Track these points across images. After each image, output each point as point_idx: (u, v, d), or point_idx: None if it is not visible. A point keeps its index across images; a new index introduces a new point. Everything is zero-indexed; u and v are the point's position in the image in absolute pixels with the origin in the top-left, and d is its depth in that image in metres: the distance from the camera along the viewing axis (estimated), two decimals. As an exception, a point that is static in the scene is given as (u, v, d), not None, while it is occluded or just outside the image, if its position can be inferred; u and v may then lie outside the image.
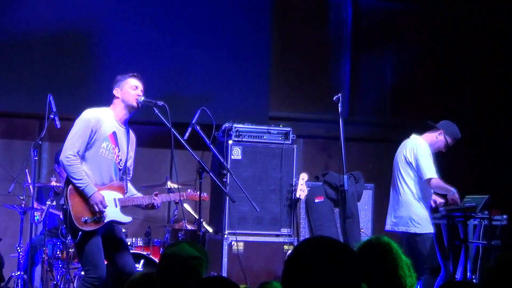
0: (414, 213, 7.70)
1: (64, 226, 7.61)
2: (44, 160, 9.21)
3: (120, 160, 6.38)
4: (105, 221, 6.21)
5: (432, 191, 7.84)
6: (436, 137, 7.92)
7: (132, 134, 6.55)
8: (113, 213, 6.28)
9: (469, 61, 10.72)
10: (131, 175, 6.59)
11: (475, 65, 10.71)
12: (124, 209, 6.39)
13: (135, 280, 4.13)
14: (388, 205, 7.98)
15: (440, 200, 7.95)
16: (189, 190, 6.93)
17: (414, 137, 7.93)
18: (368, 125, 10.42)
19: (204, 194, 6.90)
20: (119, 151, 6.35)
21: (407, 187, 7.76)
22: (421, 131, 8.03)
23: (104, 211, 6.18)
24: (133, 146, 6.55)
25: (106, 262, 6.29)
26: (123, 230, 6.93)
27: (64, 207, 6.22)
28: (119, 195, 6.34)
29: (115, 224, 6.40)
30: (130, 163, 6.54)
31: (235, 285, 3.09)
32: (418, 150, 7.75)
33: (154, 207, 6.47)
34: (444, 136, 7.90)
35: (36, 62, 8.93)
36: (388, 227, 7.89)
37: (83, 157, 6.21)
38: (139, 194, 6.52)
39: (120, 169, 6.40)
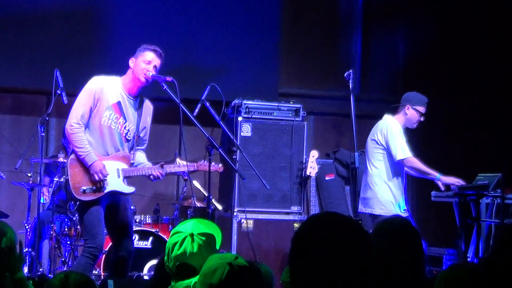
0: (380, 195, 7.58)
1: (72, 202, 7.64)
2: (51, 136, 9.17)
3: (128, 131, 6.33)
4: (105, 191, 6.18)
5: (404, 173, 7.68)
6: (406, 113, 7.75)
7: (147, 105, 6.48)
8: (114, 183, 6.25)
9: (483, 37, 10.60)
10: (145, 146, 6.55)
11: (489, 41, 10.58)
12: (129, 179, 6.35)
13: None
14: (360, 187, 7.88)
15: (457, 181, 7.81)
16: (203, 161, 6.63)
17: (385, 117, 7.77)
18: (380, 102, 10.28)
19: (219, 164, 6.71)
20: (125, 121, 6.29)
21: (375, 169, 7.63)
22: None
23: (105, 181, 6.14)
24: (147, 118, 6.48)
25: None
26: (132, 207, 6.86)
27: (64, 177, 6.23)
28: (123, 166, 6.30)
29: (122, 198, 6.36)
30: (143, 134, 6.49)
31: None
32: (388, 131, 7.58)
33: (158, 178, 6.39)
34: (414, 109, 7.75)
35: (43, 37, 8.86)
36: (359, 208, 7.78)
37: (87, 126, 6.19)
38: (149, 165, 6.45)
39: (128, 140, 6.35)
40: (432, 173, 7.62)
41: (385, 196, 7.56)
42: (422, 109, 7.74)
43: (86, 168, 6.14)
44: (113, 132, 6.25)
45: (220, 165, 6.70)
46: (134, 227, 7.58)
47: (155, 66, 6.29)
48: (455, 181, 7.75)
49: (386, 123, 7.67)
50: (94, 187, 6.15)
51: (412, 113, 7.71)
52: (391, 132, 7.56)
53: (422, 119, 7.78)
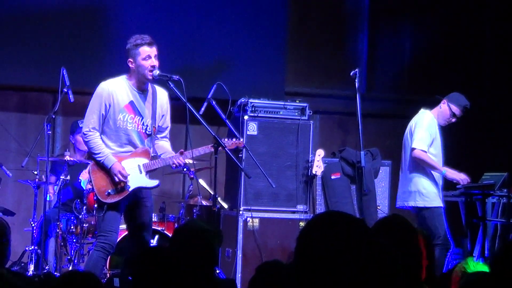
0: (422, 187, 7.67)
1: (78, 200, 7.65)
2: (57, 134, 9.18)
3: (147, 126, 6.36)
4: (130, 189, 6.27)
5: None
6: (440, 107, 7.82)
7: (161, 93, 6.47)
8: (137, 180, 6.31)
9: (489, 36, 10.58)
10: (166, 133, 6.55)
11: (495, 40, 10.56)
12: (152, 173, 6.41)
13: (146, 254, 4.08)
14: (399, 182, 7.93)
15: (460, 178, 7.83)
16: (226, 140, 6.53)
17: (421, 111, 7.89)
18: (386, 101, 10.32)
19: (241, 139, 6.66)
20: (142, 119, 6.33)
21: (413, 162, 7.69)
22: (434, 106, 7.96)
23: (127, 181, 6.20)
24: (163, 105, 6.48)
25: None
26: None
27: (89, 182, 6.32)
28: (143, 161, 6.35)
29: (142, 194, 6.40)
30: (162, 122, 6.50)
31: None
32: (418, 121, 7.71)
33: (180, 165, 6.39)
34: (448, 105, 7.79)
35: (49, 35, 8.87)
36: (398, 203, 7.88)
37: (103, 131, 6.27)
38: (172, 153, 6.44)
39: (149, 134, 6.38)
40: (438, 167, 7.67)
41: (428, 188, 7.65)
42: (456, 109, 7.79)
43: (106, 171, 6.24)
44: (129, 132, 6.31)
45: (242, 139, 6.65)
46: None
47: (155, 56, 6.30)
48: (459, 177, 7.77)
49: (421, 116, 7.80)
50: (119, 188, 6.24)
51: (445, 109, 7.79)
52: (421, 122, 7.69)
53: (453, 119, 7.84)
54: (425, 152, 7.60)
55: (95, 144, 6.22)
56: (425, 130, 7.64)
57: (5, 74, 8.78)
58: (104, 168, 6.24)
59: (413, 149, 7.60)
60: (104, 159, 6.21)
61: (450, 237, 7.81)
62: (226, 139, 6.53)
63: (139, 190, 6.37)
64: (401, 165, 7.93)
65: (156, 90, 6.45)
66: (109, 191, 6.23)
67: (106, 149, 6.24)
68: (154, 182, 6.44)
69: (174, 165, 6.37)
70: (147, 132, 6.38)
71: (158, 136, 6.52)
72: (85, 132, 6.26)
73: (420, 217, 7.68)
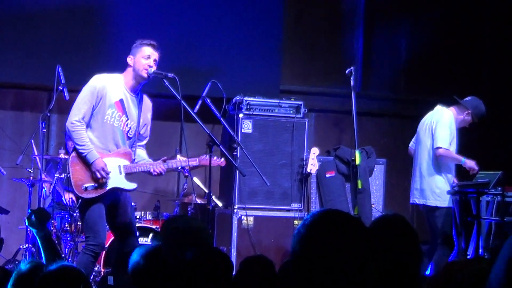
0: (436, 186, 7.71)
1: (73, 198, 7.65)
2: (52, 132, 9.17)
3: (130, 128, 6.32)
4: (107, 188, 6.18)
5: (454, 165, 7.82)
6: (464, 117, 7.91)
7: (147, 102, 6.48)
8: (116, 180, 6.23)
9: (486, 35, 10.58)
10: (145, 142, 6.54)
11: (492, 39, 10.57)
12: (130, 176, 6.33)
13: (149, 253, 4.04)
14: (411, 178, 7.96)
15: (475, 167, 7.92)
16: (205, 155, 6.50)
17: (439, 108, 7.90)
18: (381, 100, 10.32)
19: (221, 159, 6.61)
20: (127, 119, 6.29)
21: (429, 160, 7.72)
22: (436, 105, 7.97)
23: (108, 178, 6.15)
24: (147, 114, 6.47)
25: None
26: (132, 204, 6.87)
27: (67, 175, 6.23)
28: (124, 162, 6.29)
29: (123, 195, 6.35)
30: (144, 130, 6.48)
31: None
32: (440, 120, 7.74)
33: (160, 173, 6.37)
34: (472, 117, 7.90)
35: (45, 33, 8.86)
36: (411, 199, 7.91)
37: (89, 124, 6.18)
38: (150, 161, 6.43)
39: (130, 137, 6.35)
40: (460, 157, 7.79)
41: (441, 187, 7.69)
42: (476, 120, 7.91)
43: (87, 165, 6.14)
44: (115, 130, 6.25)
45: (222, 159, 6.65)
46: (134, 223, 7.60)
47: (154, 60, 6.30)
48: (474, 165, 7.85)
49: (440, 114, 7.83)
50: (96, 185, 6.14)
51: (469, 119, 7.91)
52: (442, 121, 7.74)
53: (468, 126, 7.96)
54: (448, 150, 7.70)
55: (80, 136, 6.10)
56: (447, 128, 7.73)
57: (1, 71, 8.77)
58: (85, 162, 6.13)
59: (437, 148, 7.66)
60: (87, 153, 6.10)
61: (455, 238, 7.84)
62: (205, 156, 6.47)
63: (119, 191, 6.31)
64: (414, 161, 7.96)
65: (143, 98, 6.44)
66: (87, 186, 6.12)
67: (90, 143, 6.14)
68: (132, 185, 6.33)
69: (155, 173, 6.32)
70: (129, 134, 6.33)
71: (137, 143, 6.48)
72: (73, 122, 6.11)
73: (429, 216, 7.73)
